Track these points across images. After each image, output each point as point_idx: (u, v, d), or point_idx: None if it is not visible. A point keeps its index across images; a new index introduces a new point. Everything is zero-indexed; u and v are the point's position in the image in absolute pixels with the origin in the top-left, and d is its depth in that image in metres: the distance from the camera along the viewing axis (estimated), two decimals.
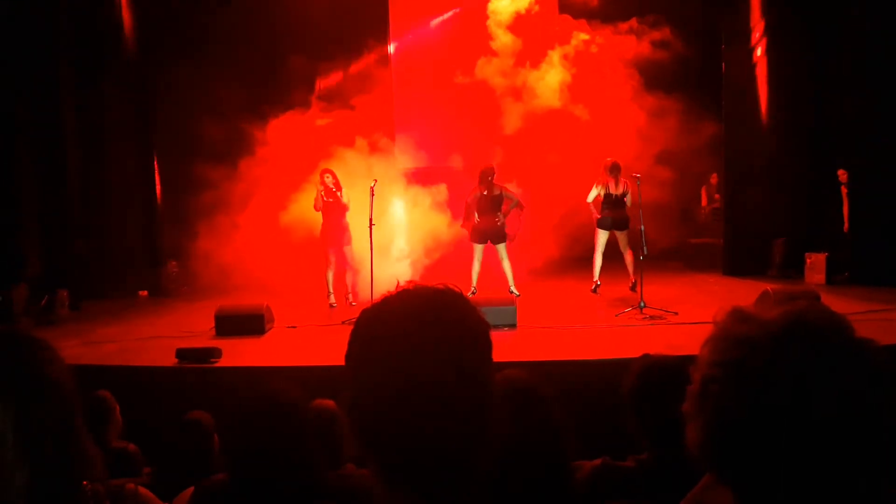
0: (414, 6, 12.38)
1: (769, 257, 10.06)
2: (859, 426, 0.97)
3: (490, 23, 10.85)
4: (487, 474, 1.05)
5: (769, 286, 7.48)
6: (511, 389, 1.97)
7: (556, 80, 10.54)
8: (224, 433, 2.56)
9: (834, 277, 9.29)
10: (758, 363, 1.00)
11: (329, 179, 8.80)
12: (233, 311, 7.56)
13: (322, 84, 11.98)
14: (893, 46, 9.02)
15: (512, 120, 10.43)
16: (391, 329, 1.04)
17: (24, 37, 9.42)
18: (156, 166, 11.12)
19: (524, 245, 9.67)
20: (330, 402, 3.05)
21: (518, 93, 10.56)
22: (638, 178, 8.14)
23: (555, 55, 10.74)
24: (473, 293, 8.86)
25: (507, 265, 9.03)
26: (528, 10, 11.02)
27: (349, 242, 8.94)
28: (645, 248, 7.85)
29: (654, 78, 10.42)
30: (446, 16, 12.10)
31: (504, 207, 8.98)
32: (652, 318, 7.57)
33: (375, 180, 8.39)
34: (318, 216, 8.90)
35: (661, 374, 2.43)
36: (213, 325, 7.44)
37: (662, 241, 9.84)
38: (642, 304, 7.74)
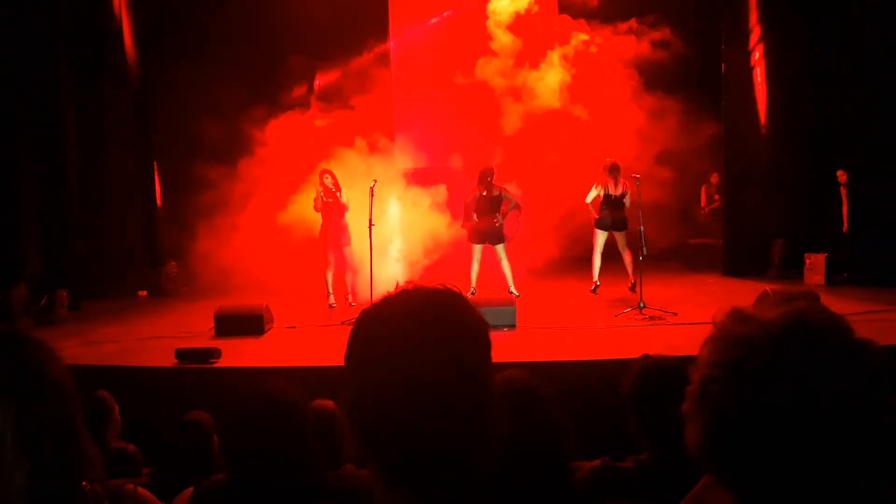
0: (414, 6, 12.38)
1: (769, 258, 10.06)
2: (859, 426, 0.97)
3: (489, 23, 10.85)
4: (487, 474, 1.05)
5: (768, 287, 7.47)
6: (511, 389, 1.97)
7: (556, 80, 10.54)
8: (224, 433, 2.56)
9: (833, 278, 9.29)
10: (757, 363, 1.00)
11: (328, 180, 8.80)
12: (232, 311, 7.56)
13: (321, 84, 11.99)
14: (893, 46, 9.02)
15: (511, 120, 10.43)
16: (391, 329, 1.04)
17: (24, 37, 9.42)
18: (155, 166, 11.12)
19: (524, 245, 9.68)
20: (329, 403, 3.05)
21: (517, 93, 10.56)
22: (637, 178, 8.14)
23: (554, 55, 10.74)
24: (473, 293, 8.86)
25: (506, 266, 9.03)
26: (528, 11, 11.01)
27: (348, 243, 8.94)
28: (644, 248, 7.85)
29: (654, 78, 10.42)
30: (437, 19, 12.08)
31: (503, 208, 8.98)
32: (651, 318, 7.57)
33: (375, 181, 8.39)
34: (318, 216, 8.90)
35: (661, 374, 2.44)
36: (212, 325, 7.44)
37: (662, 242, 9.84)
38: (642, 305, 7.74)
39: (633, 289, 8.49)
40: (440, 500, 1.02)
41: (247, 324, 7.40)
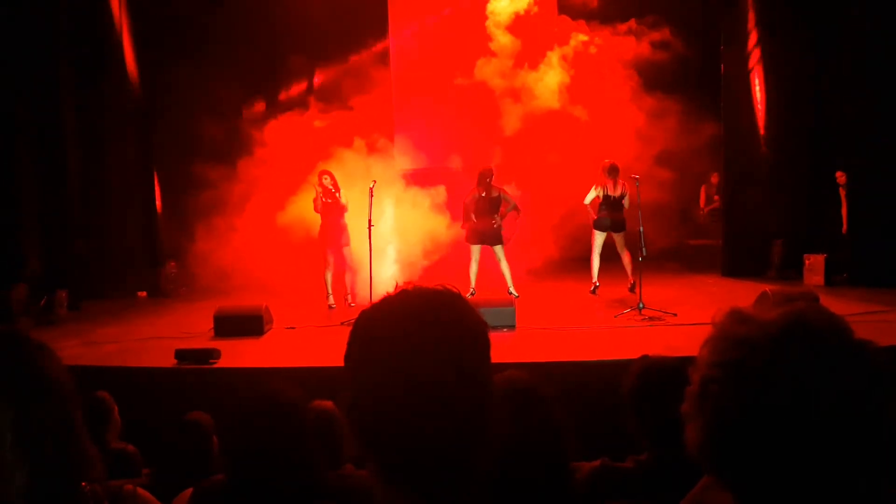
0: (413, 6, 12.38)
1: (768, 258, 10.05)
2: (858, 427, 0.97)
3: (489, 23, 10.85)
4: (487, 474, 1.05)
5: (768, 287, 7.47)
6: (511, 389, 1.97)
7: (555, 80, 10.55)
8: (223, 434, 2.56)
9: (833, 278, 9.29)
10: (757, 364, 1.00)
11: (327, 181, 8.81)
12: (232, 311, 7.56)
13: (321, 84, 11.99)
14: (893, 46, 9.02)
15: (511, 121, 10.44)
16: (390, 329, 1.04)
17: (24, 37, 9.42)
18: (155, 166, 11.12)
19: (523, 245, 9.68)
20: (329, 403, 3.05)
21: (517, 94, 10.56)
22: (637, 179, 8.14)
23: (554, 56, 10.75)
24: (472, 294, 8.86)
25: (505, 266, 9.03)
26: (527, 11, 11.02)
27: (348, 243, 8.95)
28: (644, 249, 7.85)
29: (654, 78, 10.42)
30: (436, 19, 12.09)
31: (502, 210, 8.99)
32: (651, 319, 7.57)
33: (374, 181, 8.39)
34: (317, 217, 8.90)
35: (661, 374, 2.44)
36: (212, 325, 7.44)
37: (661, 242, 9.85)
38: (641, 306, 7.73)
39: (632, 289, 8.49)
40: (440, 500, 1.02)
41: (246, 324, 7.40)
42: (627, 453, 2.53)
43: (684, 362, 1.35)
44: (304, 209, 9.34)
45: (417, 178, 10.57)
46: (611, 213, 8.73)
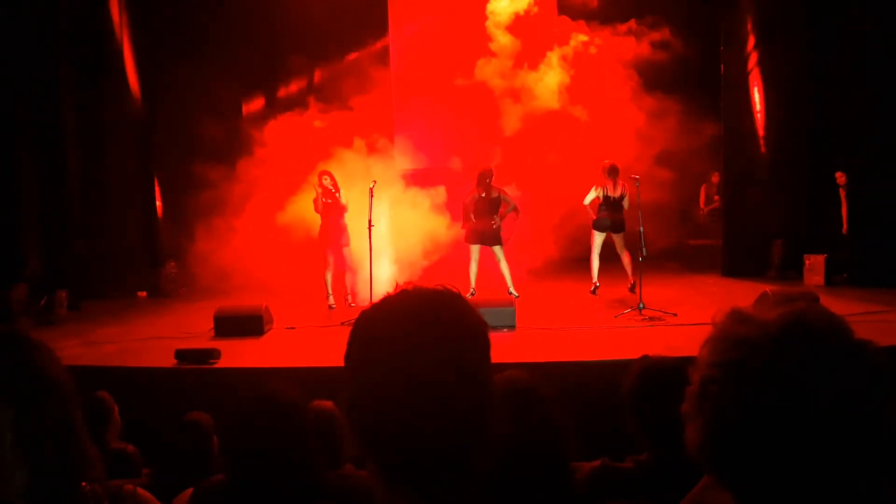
0: (413, 7, 12.38)
1: (768, 258, 10.05)
2: (858, 427, 0.97)
3: (489, 24, 10.85)
4: (487, 474, 1.05)
5: (768, 287, 7.48)
6: (511, 389, 1.97)
7: (555, 81, 10.55)
8: (223, 434, 2.56)
9: (833, 279, 9.29)
10: (757, 364, 1.00)
11: (327, 181, 8.81)
12: (232, 312, 7.56)
13: (321, 84, 11.99)
14: (893, 46, 9.02)
15: (511, 121, 10.43)
16: (390, 330, 1.04)
17: (24, 37, 9.42)
18: (155, 167, 11.12)
19: (523, 245, 9.68)
20: (329, 403, 3.05)
21: (517, 94, 10.56)
22: (637, 179, 8.14)
23: (553, 56, 10.74)
24: (472, 294, 8.86)
25: (504, 267, 9.03)
26: (527, 12, 11.01)
27: (348, 243, 8.95)
28: (644, 249, 7.85)
29: (654, 79, 10.42)
30: (436, 20, 12.10)
31: (501, 210, 8.99)
32: (651, 319, 7.57)
33: (374, 181, 8.39)
34: (317, 217, 8.90)
35: (661, 375, 2.44)
36: (212, 325, 7.44)
37: (661, 242, 9.85)
38: (641, 306, 7.73)
39: (632, 289, 8.49)
40: (440, 500, 1.02)
41: (246, 324, 7.41)
42: (627, 453, 2.53)
43: (684, 362, 1.35)
44: (303, 209, 9.34)
45: (417, 179, 10.57)
46: (610, 214, 8.73)
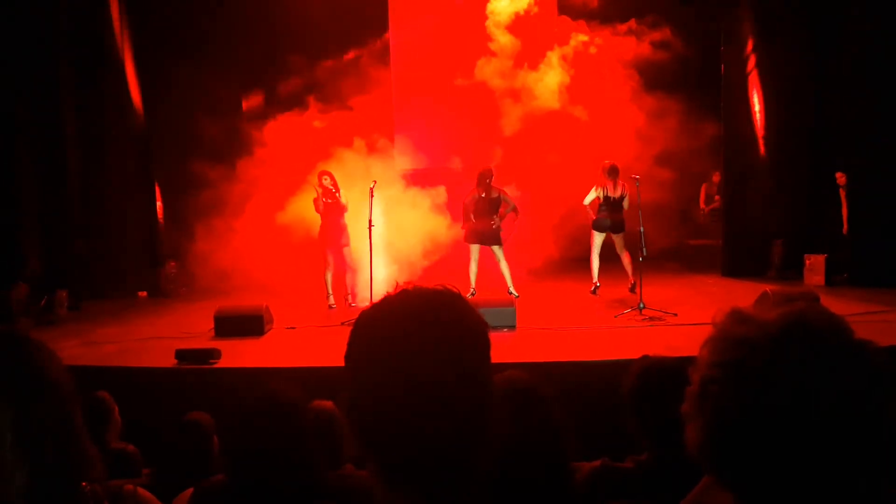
0: (413, 6, 12.37)
1: (768, 258, 10.06)
2: (858, 427, 0.97)
3: (489, 23, 10.84)
4: (487, 474, 1.05)
5: (768, 287, 7.48)
6: (511, 389, 1.97)
7: (555, 81, 10.55)
8: (223, 434, 2.56)
9: (833, 279, 9.29)
10: (757, 364, 1.00)
11: (327, 181, 8.81)
12: (232, 311, 7.56)
13: (321, 84, 11.98)
14: (893, 46, 9.02)
15: (511, 121, 10.43)
16: (391, 329, 1.04)
17: (24, 37, 9.42)
18: (155, 167, 11.12)
19: (523, 245, 9.68)
20: (329, 403, 3.05)
21: (517, 94, 10.56)
22: (637, 179, 8.14)
23: (553, 56, 10.74)
24: (472, 294, 8.86)
25: (504, 267, 9.04)
26: (527, 11, 11.01)
27: (348, 243, 8.95)
28: (644, 249, 7.85)
29: (654, 78, 10.42)
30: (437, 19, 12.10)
31: (501, 210, 8.99)
32: (651, 319, 7.57)
33: (375, 181, 8.39)
34: (317, 217, 8.90)
35: (661, 375, 2.44)
36: (212, 325, 7.44)
37: (661, 242, 9.85)
38: (641, 306, 7.73)
39: (632, 289, 8.49)
40: (440, 500, 1.02)
41: (246, 324, 7.40)
42: (627, 453, 2.53)
43: (684, 362, 1.35)
44: (303, 209, 9.34)
45: (417, 179, 10.56)
46: (610, 214, 8.73)
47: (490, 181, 8.94)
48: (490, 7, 10.94)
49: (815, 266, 9.46)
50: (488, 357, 1.08)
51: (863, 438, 0.97)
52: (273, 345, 7.18)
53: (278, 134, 10.49)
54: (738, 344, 1.03)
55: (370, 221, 8.11)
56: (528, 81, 10.60)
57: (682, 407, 1.09)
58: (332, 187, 8.81)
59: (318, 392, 2.93)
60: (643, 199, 8.15)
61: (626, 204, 8.70)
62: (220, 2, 11.35)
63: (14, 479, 1.18)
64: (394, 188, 9.99)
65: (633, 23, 10.56)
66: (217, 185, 10.20)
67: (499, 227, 8.96)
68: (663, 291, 8.67)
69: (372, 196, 8.19)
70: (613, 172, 8.68)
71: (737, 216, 10.48)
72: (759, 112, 10.16)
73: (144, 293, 10.60)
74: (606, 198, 8.70)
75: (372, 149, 10.27)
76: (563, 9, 11.57)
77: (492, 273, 9.16)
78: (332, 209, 8.82)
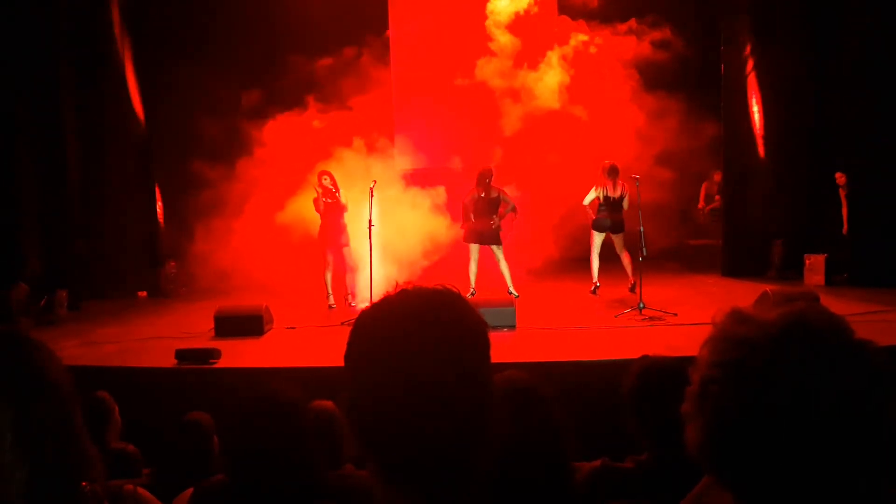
0: (413, 6, 12.37)
1: (768, 258, 10.05)
2: (858, 427, 0.97)
3: (489, 23, 10.84)
4: (487, 474, 1.05)
5: (768, 287, 7.48)
6: (511, 389, 1.97)
7: (555, 80, 10.54)
8: (223, 434, 2.56)
9: (833, 278, 9.29)
10: (757, 364, 1.00)
11: (327, 181, 8.81)
12: (232, 311, 7.56)
13: (320, 84, 11.98)
14: (893, 46, 9.02)
15: (511, 121, 10.43)
16: (390, 329, 1.04)
17: (24, 37, 9.42)
18: (155, 166, 11.12)
19: (523, 245, 9.68)
20: (329, 403, 3.05)
21: (517, 94, 10.55)
22: (637, 179, 8.14)
23: (553, 56, 10.74)
24: (472, 294, 8.86)
25: (504, 267, 9.04)
26: (527, 11, 11.00)
27: (347, 243, 8.95)
28: (644, 249, 7.85)
29: (654, 78, 10.41)
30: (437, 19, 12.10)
31: (500, 210, 8.99)
32: (651, 319, 7.57)
33: (374, 181, 8.39)
34: (316, 216, 8.91)
35: (661, 374, 2.44)
36: (212, 325, 7.44)
37: (661, 242, 9.85)
38: (641, 306, 7.73)
39: (632, 289, 8.49)
40: (440, 499, 1.02)
41: (246, 324, 7.40)
42: (627, 453, 2.53)
43: (684, 362, 1.35)
44: (303, 209, 9.33)
45: (417, 179, 10.56)
46: (610, 214, 8.73)
47: (489, 181, 8.94)
48: (490, 7, 10.93)
49: (815, 266, 9.46)
50: (488, 357, 1.08)
51: (863, 438, 0.97)
52: (273, 345, 7.18)
53: (278, 134, 10.48)
54: (738, 344, 1.03)
55: (370, 221, 8.11)
56: (528, 81, 10.60)
57: (682, 407, 1.09)
58: (331, 187, 8.81)
59: (318, 392, 2.93)
60: (643, 199, 8.15)
61: (625, 204, 8.70)
62: (220, 2, 11.34)
63: (14, 479, 1.18)
64: (394, 188, 9.99)
65: (633, 22, 10.56)
66: (217, 185, 10.20)
67: (498, 226, 8.96)
68: (663, 291, 8.67)
69: (372, 196, 8.19)
70: (613, 172, 8.68)
71: (737, 216, 10.48)
72: (759, 112, 10.15)
73: (144, 293, 10.60)
74: (606, 198, 8.70)
75: (372, 149, 10.26)
76: (563, 8, 11.57)
77: (492, 273, 9.16)
78: (332, 209, 8.82)
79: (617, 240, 8.81)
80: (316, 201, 8.84)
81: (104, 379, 5.00)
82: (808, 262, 9.54)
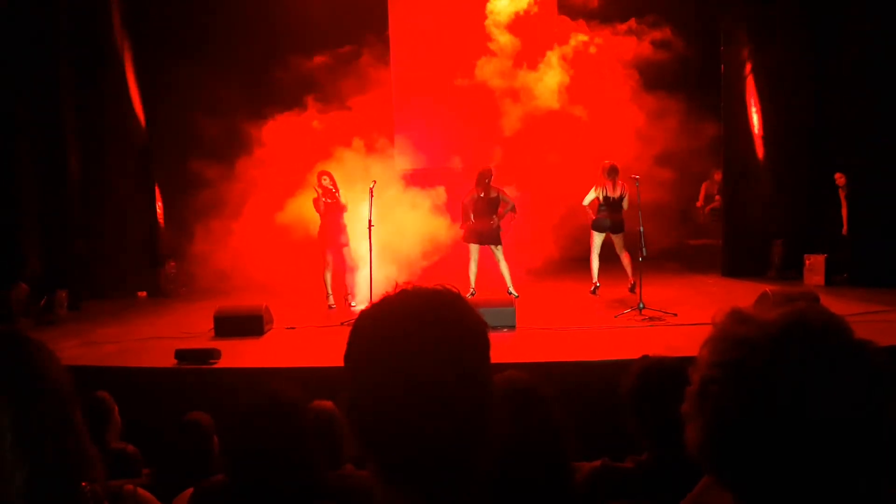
0: (413, 6, 12.37)
1: (768, 258, 10.05)
2: (858, 427, 0.97)
3: (488, 23, 10.83)
4: (487, 474, 1.05)
5: (768, 287, 7.49)
6: (511, 389, 1.97)
7: (555, 81, 10.53)
8: (223, 434, 2.56)
9: (833, 279, 9.29)
10: (757, 364, 1.00)
11: (326, 181, 8.81)
12: (232, 312, 7.56)
13: (320, 84, 11.98)
14: (893, 46, 9.02)
15: (511, 121, 10.42)
16: (390, 329, 1.04)
17: (24, 37, 9.42)
18: (155, 166, 11.12)
19: (523, 245, 9.68)
20: (329, 403, 3.05)
21: (517, 94, 10.55)
22: (637, 179, 8.13)
23: (553, 56, 10.73)
24: (472, 294, 8.86)
25: (504, 267, 9.04)
26: (527, 11, 11.00)
27: (347, 243, 8.94)
28: (644, 249, 7.85)
29: (654, 78, 10.40)
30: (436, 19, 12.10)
31: (500, 210, 8.99)
32: (651, 319, 7.57)
33: (374, 181, 8.39)
34: (316, 216, 8.90)
35: (661, 375, 2.44)
36: (212, 325, 7.44)
37: (661, 242, 9.84)
38: (641, 306, 7.73)
39: (632, 289, 8.49)
40: (440, 499, 1.02)
41: (246, 324, 7.41)
42: (627, 453, 2.53)
43: (684, 362, 1.35)
44: (303, 209, 9.33)
45: (417, 179, 10.55)
46: (610, 214, 8.73)
47: (489, 181, 8.94)
48: (490, 7, 10.92)
49: (815, 266, 9.46)
50: (488, 357, 1.08)
51: (863, 438, 0.97)
52: (273, 345, 7.18)
53: (278, 134, 10.48)
54: (738, 344, 1.03)
55: (370, 221, 8.11)
56: (528, 81, 10.59)
57: (682, 407, 1.09)
58: (331, 187, 8.81)
59: (318, 392, 2.93)
60: (643, 199, 8.15)
61: (625, 204, 8.70)
62: (220, 2, 11.34)
63: (14, 479, 1.18)
64: (393, 188, 9.98)
65: (633, 22, 10.55)
66: (216, 185, 10.20)
67: (498, 226, 8.96)
68: (663, 291, 8.67)
69: (371, 196, 8.19)
70: (613, 172, 8.68)
71: (737, 216, 10.48)
72: (759, 112, 10.15)
73: (144, 293, 10.61)
74: (606, 198, 8.70)
75: (371, 149, 10.26)
76: (563, 8, 11.56)
77: (491, 273, 9.16)
78: (332, 209, 8.82)
79: (617, 240, 8.81)
80: (316, 201, 8.84)
81: (104, 379, 5.00)
82: (808, 262, 9.54)
